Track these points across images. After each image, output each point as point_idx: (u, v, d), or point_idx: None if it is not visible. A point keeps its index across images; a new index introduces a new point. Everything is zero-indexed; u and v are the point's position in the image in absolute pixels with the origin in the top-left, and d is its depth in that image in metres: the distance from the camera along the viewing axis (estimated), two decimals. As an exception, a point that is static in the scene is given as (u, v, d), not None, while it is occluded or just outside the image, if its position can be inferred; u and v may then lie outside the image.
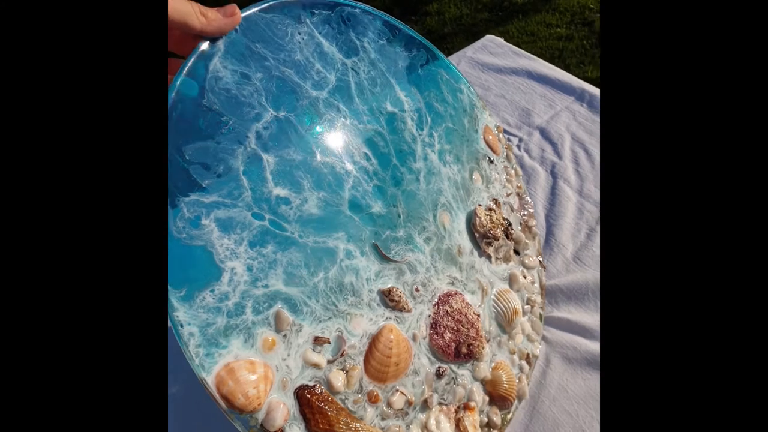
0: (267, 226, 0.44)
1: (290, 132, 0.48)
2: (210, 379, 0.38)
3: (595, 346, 0.62)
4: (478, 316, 0.56)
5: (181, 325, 0.37)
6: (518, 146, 0.84)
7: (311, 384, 0.43)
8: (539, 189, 0.76)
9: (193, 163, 0.41)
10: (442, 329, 0.53)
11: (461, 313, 0.54)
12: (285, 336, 0.42)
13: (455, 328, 0.53)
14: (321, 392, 0.43)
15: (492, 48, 1.00)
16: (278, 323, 0.42)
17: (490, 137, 0.68)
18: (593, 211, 0.72)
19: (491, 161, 0.67)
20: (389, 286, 0.50)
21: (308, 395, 0.42)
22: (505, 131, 0.86)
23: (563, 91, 0.90)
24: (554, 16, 1.91)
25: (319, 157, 0.49)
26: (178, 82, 0.42)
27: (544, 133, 0.84)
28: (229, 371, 0.39)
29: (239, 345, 0.40)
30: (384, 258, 0.51)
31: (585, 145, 0.81)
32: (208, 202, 0.41)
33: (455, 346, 0.53)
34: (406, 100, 0.59)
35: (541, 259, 0.69)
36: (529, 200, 0.70)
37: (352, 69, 0.55)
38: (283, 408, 0.40)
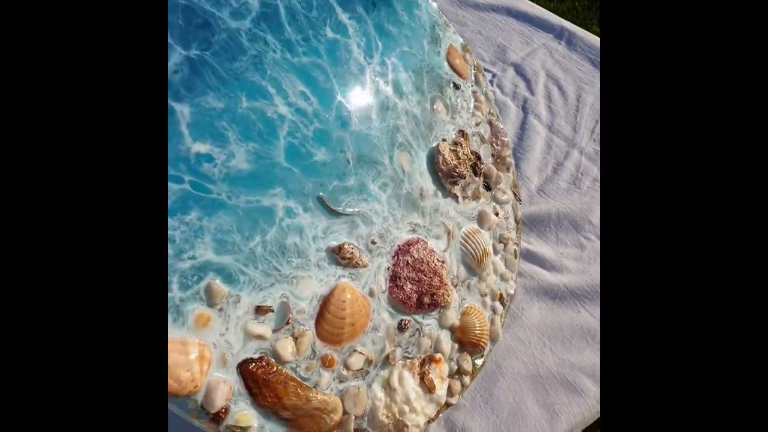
0: (188, 189, 0.38)
1: (207, 75, 0.41)
2: (133, 368, 0.34)
3: (552, 277, 0.62)
4: (443, 262, 0.52)
5: (91, 314, 0.33)
6: (491, 81, 0.80)
7: (256, 357, 0.40)
8: (509, 123, 0.74)
9: (84, 125, 0.35)
10: (402, 281, 0.49)
11: (423, 262, 0.50)
12: (221, 309, 0.38)
13: (416, 278, 0.50)
14: (266, 364, 0.40)
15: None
16: (210, 297, 0.38)
17: (457, 61, 0.61)
18: (561, 146, 0.71)
19: (457, 87, 0.60)
20: (341, 242, 0.46)
21: (252, 369, 0.39)
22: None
23: (542, 28, 0.86)
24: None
25: (245, 102, 0.42)
26: None
27: (519, 70, 0.81)
28: (156, 357, 0.35)
29: (167, 325, 0.36)
30: (331, 211, 0.46)
31: (559, 82, 0.78)
32: (110, 170, 0.35)
33: (417, 296, 0.49)
34: (350, 23, 0.51)
35: (516, 191, 0.64)
36: (502, 127, 0.64)
37: (281, -10, 0.47)
38: (223, 386, 0.37)
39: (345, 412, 0.44)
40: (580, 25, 0.85)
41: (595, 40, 0.83)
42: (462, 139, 0.58)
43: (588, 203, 0.65)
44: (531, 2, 0.92)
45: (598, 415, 0.55)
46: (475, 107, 0.61)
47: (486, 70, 0.80)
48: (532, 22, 0.87)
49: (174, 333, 0.36)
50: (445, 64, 0.60)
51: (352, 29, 0.51)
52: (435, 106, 0.57)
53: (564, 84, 0.78)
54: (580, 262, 0.62)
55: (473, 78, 0.63)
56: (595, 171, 0.68)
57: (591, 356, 0.57)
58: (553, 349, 0.58)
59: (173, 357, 0.35)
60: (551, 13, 0.89)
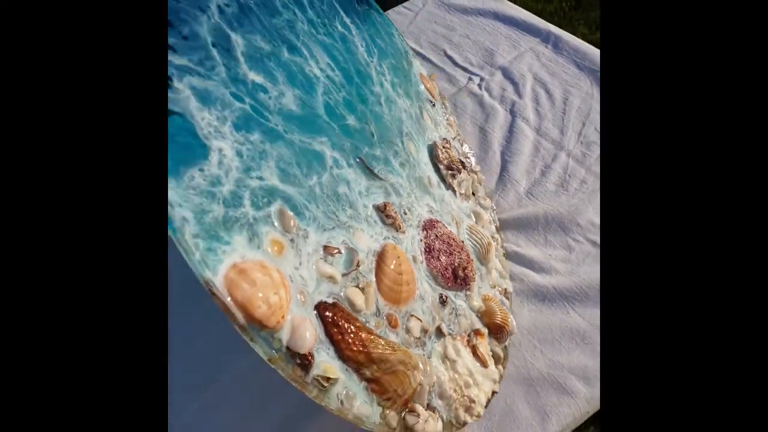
0: (249, 110, 0.34)
1: (253, 19, 0.40)
2: (218, 281, 0.27)
3: (541, 279, 0.60)
4: (463, 242, 0.51)
5: (171, 206, 0.26)
6: (479, 85, 0.81)
7: (330, 301, 0.33)
8: (497, 127, 0.74)
9: (151, 15, 0.30)
10: (437, 252, 0.47)
11: (449, 237, 0.49)
12: (293, 240, 0.33)
13: (448, 251, 0.48)
14: (343, 310, 0.34)
15: (459, -12, 0.97)
16: (283, 223, 0.32)
17: (427, 84, 0.67)
18: (549, 149, 0.71)
19: (433, 104, 0.65)
20: (382, 201, 0.43)
21: (330, 313, 0.33)
22: (467, 70, 0.84)
23: (529, 32, 0.90)
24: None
25: (286, 53, 0.41)
26: None
27: (506, 73, 0.83)
28: (240, 272, 0.28)
29: (244, 243, 0.29)
30: (370, 172, 0.44)
31: (546, 86, 0.81)
32: (179, 64, 0.31)
33: (452, 269, 0.47)
34: (352, 27, 0.55)
35: (491, 201, 0.67)
36: (468, 146, 0.69)
37: (299, -20, 0.49)
38: (310, 325, 0.30)
39: (419, 383, 0.37)
40: (566, 25, 0.85)
41: (580, 43, 0.86)
42: (447, 145, 0.61)
43: (576, 205, 0.64)
44: (518, 7, 0.95)
45: (588, 416, 0.54)
46: (448, 125, 0.66)
47: (474, 73, 0.82)
48: (519, 26, 0.90)
49: (251, 254, 0.30)
50: (421, 84, 0.65)
51: (354, 30, 0.54)
52: (423, 115, 0.60)
53: (551, 87, 0.80)
54: (569, 264, 0.60)
55: (441, 103, 0.69)
56: (583, 173, 0.68)
57: (580, 357, 0.55)
58: (543, 351, 0.55)
59: (258, 277, 0.28)
60: (538, 18, 0.92)
